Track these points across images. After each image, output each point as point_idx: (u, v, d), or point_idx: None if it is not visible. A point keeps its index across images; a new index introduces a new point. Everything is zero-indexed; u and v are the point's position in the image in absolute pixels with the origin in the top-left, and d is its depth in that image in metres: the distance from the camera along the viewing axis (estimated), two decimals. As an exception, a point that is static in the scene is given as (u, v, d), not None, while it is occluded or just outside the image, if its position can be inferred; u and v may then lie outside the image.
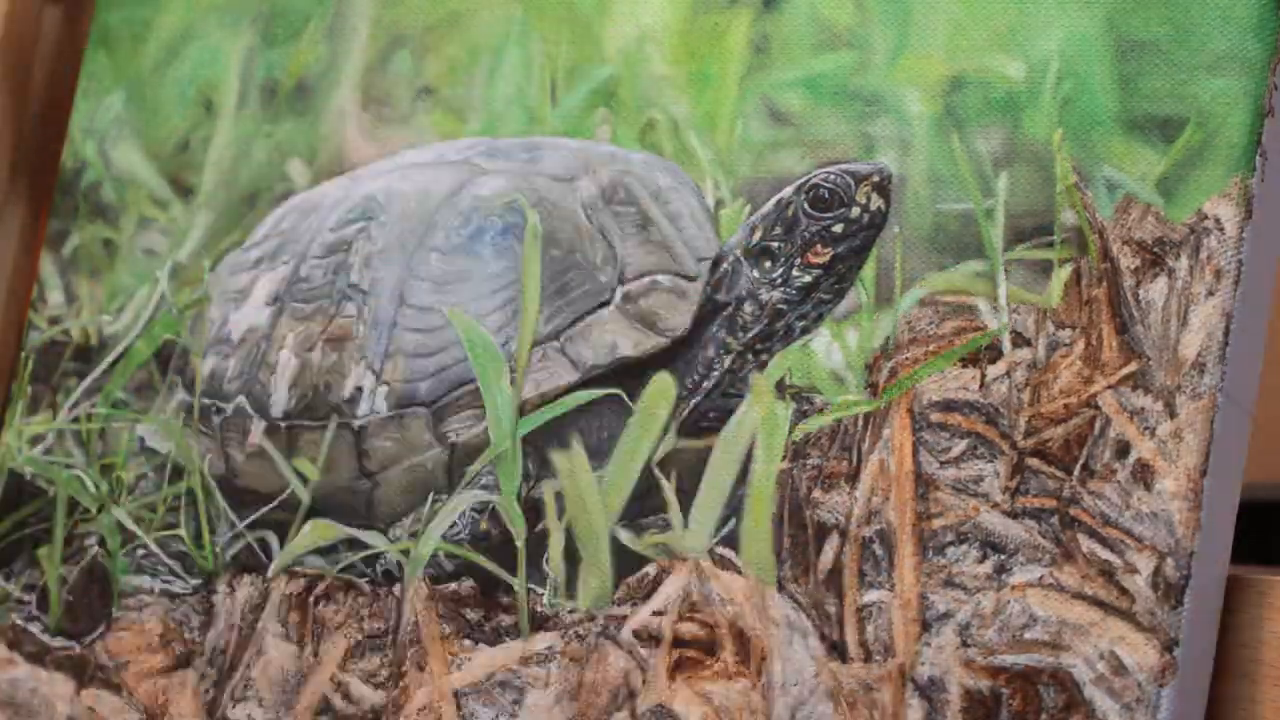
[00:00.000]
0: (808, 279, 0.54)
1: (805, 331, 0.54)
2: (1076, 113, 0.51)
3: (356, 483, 0.60)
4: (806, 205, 0.54)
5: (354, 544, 0.59)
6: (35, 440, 0.67)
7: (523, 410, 0.57)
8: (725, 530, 0.53)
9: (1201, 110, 0.49)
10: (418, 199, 0.60)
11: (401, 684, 0.57)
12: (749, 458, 0.53)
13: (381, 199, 0.61)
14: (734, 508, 0.53)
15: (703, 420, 0.55)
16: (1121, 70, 0.51)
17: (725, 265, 0.56)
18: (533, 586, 0.56)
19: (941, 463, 0.51)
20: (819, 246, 0.54)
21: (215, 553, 0.62)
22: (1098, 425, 0.49)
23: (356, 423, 0.59)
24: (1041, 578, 0.49)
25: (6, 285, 0.73)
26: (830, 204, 0.54)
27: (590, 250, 0.57)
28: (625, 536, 0.55)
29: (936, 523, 0.51)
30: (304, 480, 0.60)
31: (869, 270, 0.53)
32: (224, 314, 0.64)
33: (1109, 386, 0.49)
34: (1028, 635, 0.49)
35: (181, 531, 0.63)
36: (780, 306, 0.54)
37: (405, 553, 0.58)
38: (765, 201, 0.55)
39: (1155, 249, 0.49)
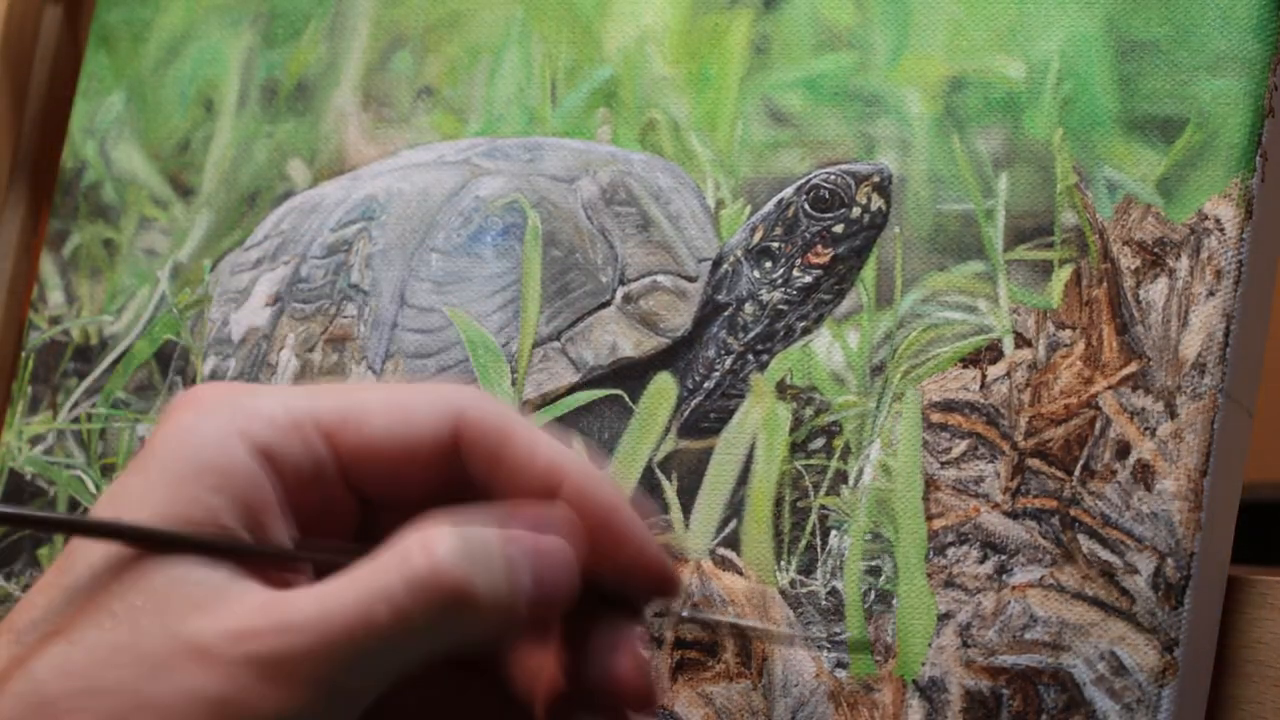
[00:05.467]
0: (808, 279, 0.54)
1: (806, 332, 0.54)
2: (1077, 113, 0.51)
3: (357, 483, 0.59)
4: (807, 206, 0.54)
5: (355, 544, 0.59)
6: (35, 440, 0.67)
7: (524, 411, 0.57)
8: (726, 530, 0.53)
9: (1202, 110, 0.49)
10: (418, 199, 0.60)
11: (402, 684, 0.57)
12: (750, 458, 0.53)
13: (382, 199, 0.61)
14: (734, 508, 0.53)
15: (703, 420, 0.55)
16: (1122, 70, 0.51)
17: (726, 266, 0.56)
18: (533, 587, 0.56)
19: (942, 463, 0.51)
20: (819, 247, 0.54)
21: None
22: (1098, 426, 0.49)
23: (357, 423, 0.59)
24: (1042, 578, 0.49)
25: (6, 285, 0.73)
26: (831, 204, 0.54)
27: (591, 251, 0.57)
28: (626, 536, 0.55)
29: (937, 523, 0.51)
30: (305, 480, 0.60)
31: (869, 271, 0.53)
32: (224, 314, 0.64)
33: (1109, 387, 0.49)
34: (1028, 636, 0.49)
35: (182, 531, 0.63)
36: (781, 307, 0.54)
37: (406, 553, 0.58)
38: (766, 202, 0.55)
39: (1155, 249, 0.49)
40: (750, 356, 0.55)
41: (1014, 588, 0.49)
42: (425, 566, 0.39)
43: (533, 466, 0.41)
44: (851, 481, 0.52)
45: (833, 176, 0.54)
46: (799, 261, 0.54)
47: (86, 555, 0.38)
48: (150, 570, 0.38)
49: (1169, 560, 0.47)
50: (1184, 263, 0.49)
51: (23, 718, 0.36)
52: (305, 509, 0.40)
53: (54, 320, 0.69)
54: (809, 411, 0.53)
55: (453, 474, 0.41)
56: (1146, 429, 0.48)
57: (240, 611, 0.38)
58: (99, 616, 0.37)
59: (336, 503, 0.41)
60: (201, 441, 0.39)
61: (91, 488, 0.65)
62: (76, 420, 0.67)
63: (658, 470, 0.55)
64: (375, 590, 0.38)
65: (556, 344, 0.57)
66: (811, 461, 0.53)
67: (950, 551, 0.50)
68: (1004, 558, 0.50)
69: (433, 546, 0.39)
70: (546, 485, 0.41)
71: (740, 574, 0.53)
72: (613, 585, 0.42)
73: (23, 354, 0.69)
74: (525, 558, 0.40)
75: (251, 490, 0.39)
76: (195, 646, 0.37)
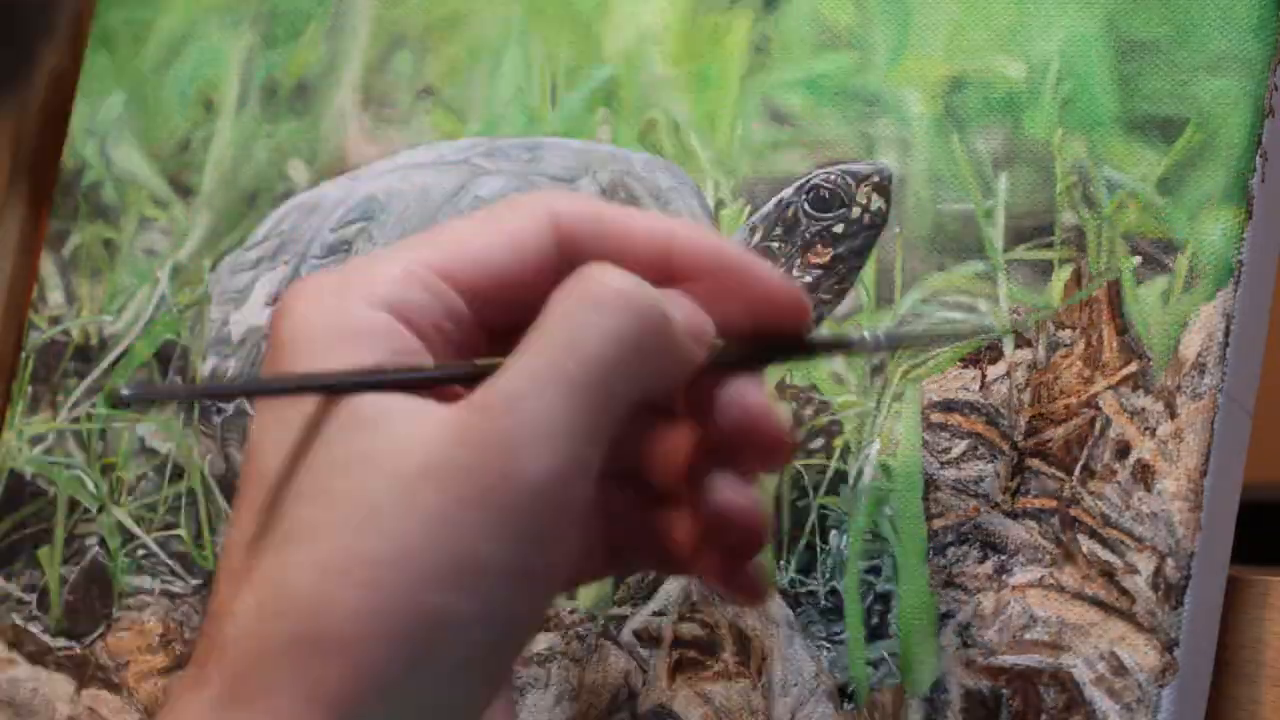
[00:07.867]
0: (808, 279, 0.54)
1: (806, 332, 0.54)
2: (1076, 113, 0.51)
3: (357, 483, 0.59)
4: (807, 206, 0.54)
5: (354, 544, 0.59)
6: (35, 440, 0.67)
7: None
8: (726, 530, 0.53)
9: (1202, 110, 0.49)
10: (418, 199, 0.60)
11: (402, 684, 0.57)
12: (749, 458, 0.53)
13: (382, 199, 0.61)
14: (734, 508, 0.53)
15: (703, 420, 0.55)
16: (1122, 70, 0.51)
17: (725, 265, 0.56)
18: (533, 587, 0.56)
19: (942, 463, 0.51)
20: (819, 247, 0.54)
21: (216, 553, 0.62)
22: (1098, 425, 0.49)
23: (357, 423, 0.59)
24: (1042, 578, 0.49)
25: (6, 285, 0.73)
26: (830, 204, 0.54)
27: (590, 250, 0.57)
28: (625, 536, 0.55)
29: (936, 523, 0.51)
30: (304, 480, 0.60)
31: (869, 271, 0.53)
32: (224, 314, 0.64)
33: (1109, 387, 0.49)
34: (1028, 636, 0.49)
35: (181, 531, 0.63)
36: (780, 307, 0.54)
37: (406, 553, 0.58)
38: (765, 202, 0.55)
39: (1155, 249, 0.49)
40: (750, 356, 0.55)
41: (1014, 588, 0.49)
42: (611, 290, 0.39)
43: (634, 238, 0.42)
44: (851, 481, 0.52)
45: (833, 176, 0.54)
46: (799, 261, 0.54)
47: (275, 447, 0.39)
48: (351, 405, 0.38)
49: (1169, 560, 0.47)
50: (1184, 263, 0.49)
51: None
52: (445, 355, 0.40)
53: (54, 320, 0.69)
54: (809, 411, 0.53)
55: (564, 278, 0.41)
56: (1146, 429, 0.48)
57: (459, 408, 0.38)
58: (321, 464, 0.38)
59: (471, 343, 0.41)
60: (329, 319, 0.39)
61: (91, 487, 0.65)
62: (76, 420, 0.67)
63: (657, 470, 0.55)
64: (572, 326, 0.39)
65: (556, 344, 0.57)
66: (811, 461, 0.53)
67: (950, 551, 0.50)
68: (1004, 558, 0.49)
69: (607, 278, 0.39)
70: (656, 252, 0.42)
71: (740, 574, 0.53)
72: (737, 338, 0.43)
73: (23, 354, 0.69)
74: (680, 305, 0.41)
75: (395, 343, 0.39)
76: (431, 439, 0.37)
